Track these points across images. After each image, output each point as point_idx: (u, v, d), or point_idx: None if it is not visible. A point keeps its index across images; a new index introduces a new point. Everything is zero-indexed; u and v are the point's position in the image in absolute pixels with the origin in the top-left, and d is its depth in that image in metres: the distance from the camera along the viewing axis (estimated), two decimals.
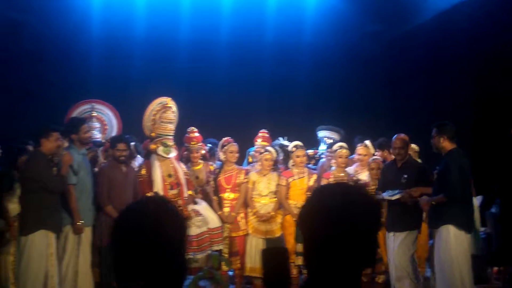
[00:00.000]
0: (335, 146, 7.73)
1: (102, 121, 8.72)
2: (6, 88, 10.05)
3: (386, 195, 6.62)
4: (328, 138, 8.66)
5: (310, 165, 8.17)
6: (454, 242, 6.10)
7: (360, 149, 7.94)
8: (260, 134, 8.33)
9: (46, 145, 6.23)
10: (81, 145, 6.60)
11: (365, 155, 7.85)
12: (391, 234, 6.67)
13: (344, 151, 7.62)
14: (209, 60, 10.95)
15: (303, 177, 7.63)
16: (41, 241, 6.05)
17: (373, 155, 7.91)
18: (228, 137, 7.82)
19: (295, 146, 7.68)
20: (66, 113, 8.54)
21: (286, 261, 3.61)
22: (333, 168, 7.74)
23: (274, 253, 3.58)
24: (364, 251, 1.80)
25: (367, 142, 7.97)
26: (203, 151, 7.75)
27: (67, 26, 10.42)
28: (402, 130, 8.54)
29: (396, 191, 6.61)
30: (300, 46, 11.01)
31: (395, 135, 6.92)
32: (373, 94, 10.82)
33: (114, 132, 8.56)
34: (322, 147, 8.62)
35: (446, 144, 6.32)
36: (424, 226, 7.07)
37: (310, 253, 1.80)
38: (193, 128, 7.59)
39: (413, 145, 7.70)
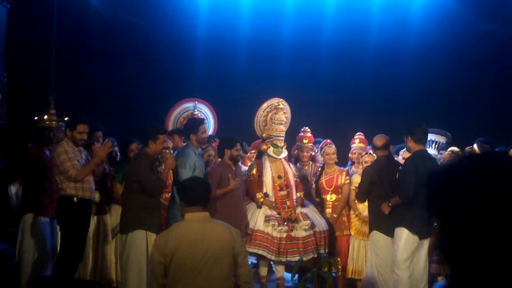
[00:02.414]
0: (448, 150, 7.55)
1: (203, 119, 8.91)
2: (116, 86, 10.50)
3: None
4: (434, 141, 8.46)
5: None
6: (403, 245, 6.00)
7: (466, 151, 7.73)
8: (356, 136, 8.24)
9: (152, 146, 6.29)
10: (197, 145, 6.74)
11: None
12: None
13: (447, 154, 7.42)
14: (312, 61, 10.93)
15: None
16: (139, 240, 6.14)
17: None
18: (327, 139, 7.81)
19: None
20: (169, 109, 8.75)
21: None
22: None
23: None
24: None
25: (475, 145, 7.73)
26: (313, 153, 7.75)
27: (175, 27, 10.71)
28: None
29: None
30: (405, 47, 10.77)
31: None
32: (482, 96, 10.45)
33: (210, 132, 8.72)
34: (429, 151, 8.43)
35: (412, 145, 6.26)
36: None
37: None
38: (307, 128, 7.61)
39: None
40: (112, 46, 10.33)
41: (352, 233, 7.42)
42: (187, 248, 3.86)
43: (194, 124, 6.84)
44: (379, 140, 6.85)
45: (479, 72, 10.50)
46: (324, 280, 5.48)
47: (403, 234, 6.03)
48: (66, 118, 6.67)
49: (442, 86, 10.60)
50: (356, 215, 7.42)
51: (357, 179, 7.48)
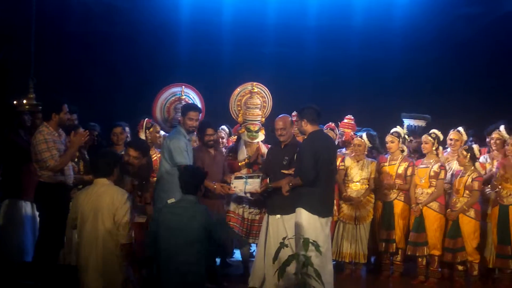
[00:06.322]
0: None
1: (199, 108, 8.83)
2: (97, 71, 10.40)
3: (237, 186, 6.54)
4: (415, 126, 8.51)
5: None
6: (306, 226, 6.00)
7: (451, 134, 7.73)
8: (346, 121, 8.22)
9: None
10: (186, 131, 6.71)
11: (456, 141, 7.64)
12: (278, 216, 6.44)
13: (428, 138, 7.42)
14: (297, 44, 10.92)
15: (394, 164, 7.52)
16: None
17: (466, 142, 7.69)
18: (331, 123, 7.98)
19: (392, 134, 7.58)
20: (156, 94, 8.66)
21: None
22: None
23: None
24: None
25: (460, 128, 7.73)
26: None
27: (158, 11, 10.66)
28: (496, 117, 8.25)
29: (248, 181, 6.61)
30: (390, 29, 10.76)
31: (279, 116, 6.64)
32: (466, 79, 10.45)
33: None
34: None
35: (308, 127, 6.21)
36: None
37: None
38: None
39: None
40: (93, 29, 10.26)
41: (340, 217, 7.48)
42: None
43: (187, 106, 6.89)
44: None
45: (465, 54, 10.45)
46: (305, 263, 5.46)
47: (303, 215, 6.05)
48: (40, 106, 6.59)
49: (428, 69, 10.60)
50: (343, 199, 7.47)
51: (347, 162, 7.53)
